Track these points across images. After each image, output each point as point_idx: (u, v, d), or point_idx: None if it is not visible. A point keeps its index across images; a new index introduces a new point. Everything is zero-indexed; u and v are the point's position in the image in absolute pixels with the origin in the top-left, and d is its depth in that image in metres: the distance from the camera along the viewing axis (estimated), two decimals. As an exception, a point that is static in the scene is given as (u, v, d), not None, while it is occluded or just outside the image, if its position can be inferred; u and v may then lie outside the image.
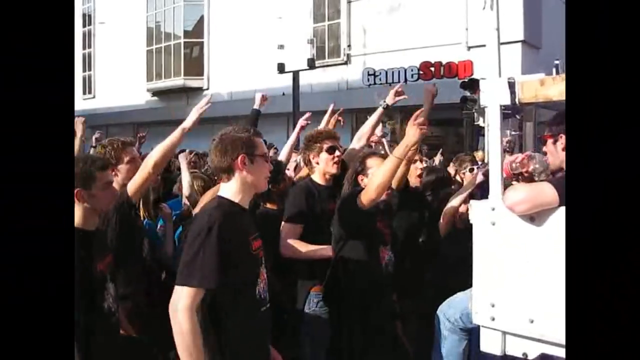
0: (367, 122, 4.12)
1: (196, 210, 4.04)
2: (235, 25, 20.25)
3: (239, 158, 2.27)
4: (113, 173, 3.00)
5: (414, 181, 4.17)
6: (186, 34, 23.03)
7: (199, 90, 22.27)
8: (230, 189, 2.32)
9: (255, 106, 4.27)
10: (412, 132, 2.82)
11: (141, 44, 24.12)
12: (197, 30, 22.81)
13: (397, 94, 4.02)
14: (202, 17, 22.47)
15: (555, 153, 2.45)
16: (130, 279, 2.97)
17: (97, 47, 26.70)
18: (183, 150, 6.03)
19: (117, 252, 2.80)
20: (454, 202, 3.65)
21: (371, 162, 3.29)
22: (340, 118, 4.63)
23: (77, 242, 2.19)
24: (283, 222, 3.32)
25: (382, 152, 4.53)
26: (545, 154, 2.55)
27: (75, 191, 2.31)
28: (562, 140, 2.39)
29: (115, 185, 2.99)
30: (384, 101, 4.03)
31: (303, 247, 3.25)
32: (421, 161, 3.98)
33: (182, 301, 2.10)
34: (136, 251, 3.09)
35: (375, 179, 2.96)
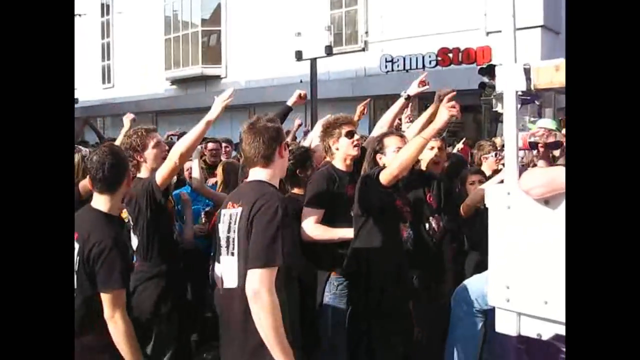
0: (388, 111, 4.17)
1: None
2: (253, 13, 20.27)
3: (282, 145, 2.49)
4: (142, 159, 3.23)
5: (429, 166, 4.21)
6: (204, 22, 23.09)
7: (217, 78, 22.37)
8: (268, 174, 2.48)
9: (289, 103, 4.25)
10: (442, 113, 2.84)
11: (159, 33, 24.24)
12: (214, 18, 22.86)
13: (421, 84, 4.05)
14: (219, 5, 22.51)
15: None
16: (163, 259, 3.16)
17: (116, 37, 26.89)
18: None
19: (147, 236, 3.01)
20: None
21: (388, 141, 3.35)
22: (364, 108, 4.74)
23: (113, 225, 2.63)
24: (304, 207, 3.39)
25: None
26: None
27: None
28: None
29: (144, 170, 3.26)
30: (405, 91, 4.06)
31: (324, 231, 3.32)
32: (441, 149, 3.98)
33: (265, 282, 2.23)
34: (168, 234, 3.22)
35: (400, 156, 2.99)
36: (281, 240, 2.26)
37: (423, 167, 3.90)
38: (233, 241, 2.39)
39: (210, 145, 7.09)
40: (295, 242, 2.35)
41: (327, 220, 3.34)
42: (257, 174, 2.48)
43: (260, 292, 2.21)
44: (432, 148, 3.76)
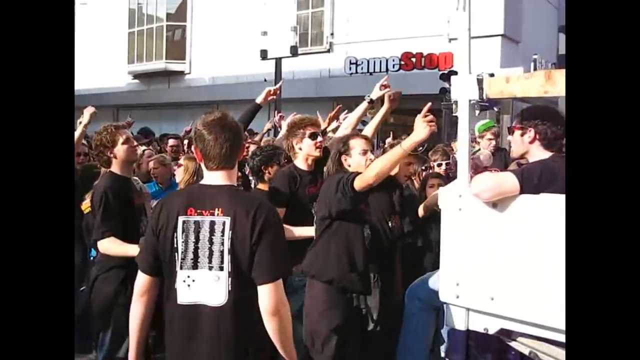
0: (352, 113, 4.29)
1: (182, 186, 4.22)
2: (219, 10, 20.15)
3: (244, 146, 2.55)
4: (112, 155, 3.33)
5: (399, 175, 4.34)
6: (169, 16, 22.81)
7: (181, 74, 22.16)
8: (232, 177, 2.34)
9: (258, 100, 4.18)
10: (422, 127, 2.79)
11: (123, 26, 23.86)
12: (179, 13, 22.62)
13: (383, 87, 4.15)
14: (184, 0, 22.31)
15: (521, 144, 2.61)
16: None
17: (78, 29, 26.34)
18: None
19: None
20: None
21: (354, 142, 3.38)
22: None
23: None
24: None
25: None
26: (509, 143, 2.71)
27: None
28: (529, 134, 2.55)
29: (115, 165, 3.37)
30: (369, 96, 4.16)
31: (286, 228, 3.41)
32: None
33: (281, 293, 2.17)
34: (132, 226, 3.30)
35: (377, 165, 2.96)
36: (287, 251, 2.25)
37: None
38: (220, 254, 2.17)
39: (171, 141, 7.11)
40: None
41: (289, 218, 3.43)
42: (224, 176, 2.27)
43: (278, 305, 2.15)
44: (410, 164, 3.78)
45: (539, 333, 2.23)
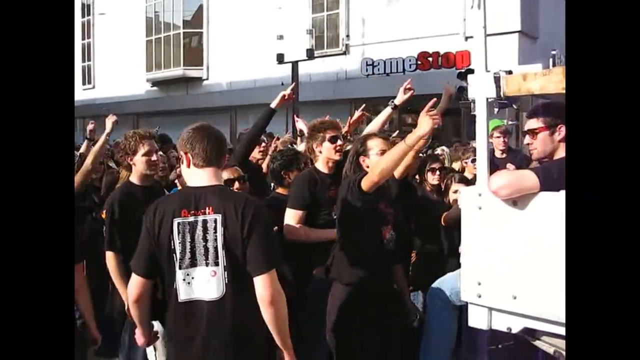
0: (375, 119, 4.25)
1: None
2: (235, 15, 20.28)
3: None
4: (132, 163, 3.35)
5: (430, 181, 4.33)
6: (185, 24, 23.04)
7: (199, 80, 22.35)
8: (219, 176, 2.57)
9: (273, 105, 4.18)
10: (425, 122, 2.76)
11: (140, 34, 24.13)
12: (196, 20, 22.82)
13: (405, 90, 4.11)
14: (201, 7, 22.48)
15: (551, 143, 2.53)
16: None
17: (97, 38, 26.71)
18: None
19: None
20: None
21: (372, 143, 3.34)
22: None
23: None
24: (287, 208, 3.49)
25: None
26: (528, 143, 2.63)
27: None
28: (560, 131, 2.47)
29: (135, 173, 3.39)
30: (393, 101, 4.13)
31: (305, 231, 3.42)
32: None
33: (275, 283, 2.27)
34: None
35: (381, 163, 2.95)
36: (277, 242, 2.37)
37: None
38: (214, 250, 2.30)
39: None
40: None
41: (309, 221, 3.44)
42: (212, 175, 2.41)
43: (274, 294, 2.25)
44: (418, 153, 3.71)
45: (564, 332, 2.21)
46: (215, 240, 2.29)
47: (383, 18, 16.51)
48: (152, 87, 24.18)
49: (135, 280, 2.42)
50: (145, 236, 2.40)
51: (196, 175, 2.41)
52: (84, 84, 27.02)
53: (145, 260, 2.41)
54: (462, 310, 3.02)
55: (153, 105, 23.08)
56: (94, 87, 26.72)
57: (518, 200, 2.26)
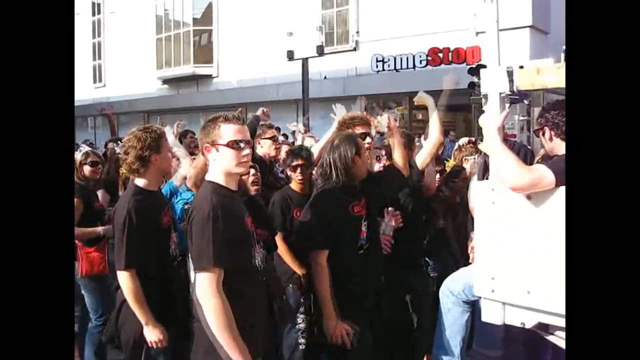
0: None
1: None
2: (244, 13, 20.31)
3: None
4: (155, 159, 2.95)
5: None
6: (195, 21, 23.10)
7: (209, 77, 22.40)
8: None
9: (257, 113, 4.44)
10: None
11: (150, 33, 24.22)
12: (205, 17, 22.88)
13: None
14: (210, 5, 22.52)
15: (545, 143, 2.55)
16: None
17: (107, 36, 26.84)
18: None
19: None
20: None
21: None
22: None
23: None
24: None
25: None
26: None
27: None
28: (547, 132, 2.52)
29: (147, 175, 2.94)
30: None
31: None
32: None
33: (206, 284, 2.20)
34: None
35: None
36: (212, 243, 2.21)
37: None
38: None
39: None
40: (229, 243, 2.24)
41: None
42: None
43: (203, 295, 2.21)
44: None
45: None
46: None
47: (393, 14, 16.45)
48: (162, 84, 24.27)
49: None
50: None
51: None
52: (94, 82, 27.18)
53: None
54: (475, 305, 3.01)
55: (163, 103, 23.16)
56: (104, 85, 26.85)
57: (532, 195, 2.26)
